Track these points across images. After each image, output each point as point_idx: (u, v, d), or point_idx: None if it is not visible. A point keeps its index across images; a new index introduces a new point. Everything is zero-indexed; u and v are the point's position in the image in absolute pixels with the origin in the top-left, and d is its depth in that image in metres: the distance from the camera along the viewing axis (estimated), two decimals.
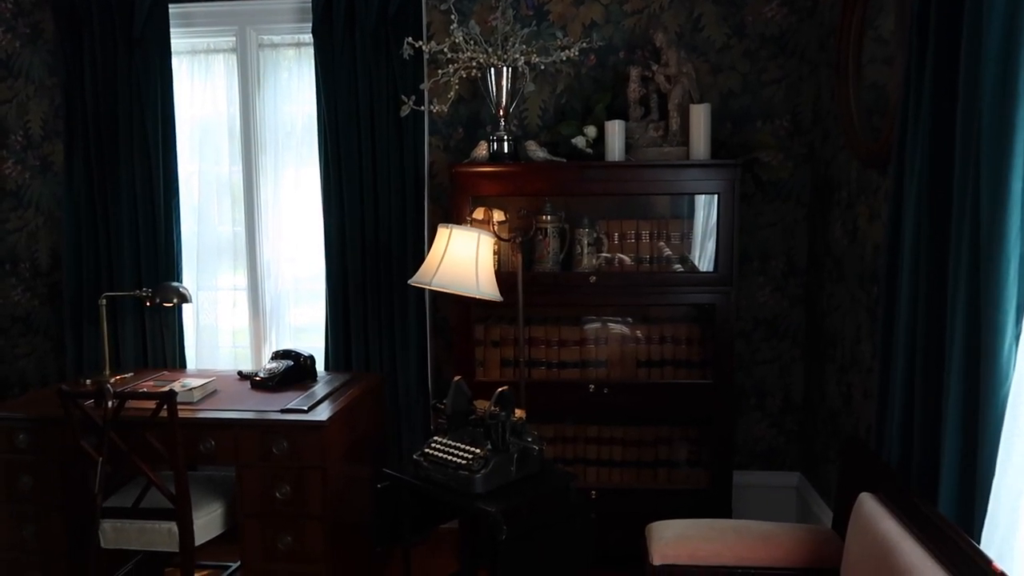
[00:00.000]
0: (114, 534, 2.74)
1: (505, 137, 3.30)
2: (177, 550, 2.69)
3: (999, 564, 1.48)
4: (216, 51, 3.80)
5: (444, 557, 3.42)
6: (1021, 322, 1.58)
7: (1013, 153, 1.53)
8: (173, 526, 2.68)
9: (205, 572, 3.16)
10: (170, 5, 3.59)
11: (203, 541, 2.76)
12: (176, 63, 3.68)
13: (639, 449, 3.40)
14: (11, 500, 2.90)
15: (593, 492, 3.28)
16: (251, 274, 3.82)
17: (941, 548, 1.61)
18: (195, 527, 2.70)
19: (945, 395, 1.76)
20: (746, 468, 3.67)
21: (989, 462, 1.60)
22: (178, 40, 3.68)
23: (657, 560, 2.24)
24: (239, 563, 2.85)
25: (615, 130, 3.20)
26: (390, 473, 2.61)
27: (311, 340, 3.77)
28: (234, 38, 3.71)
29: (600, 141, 3.26)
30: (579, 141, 3.29)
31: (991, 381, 1.58)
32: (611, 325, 3.41)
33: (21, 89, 3.84)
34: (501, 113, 3.32)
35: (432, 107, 3.39)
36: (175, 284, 3.43)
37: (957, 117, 1.73)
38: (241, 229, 3.83)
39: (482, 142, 3.32)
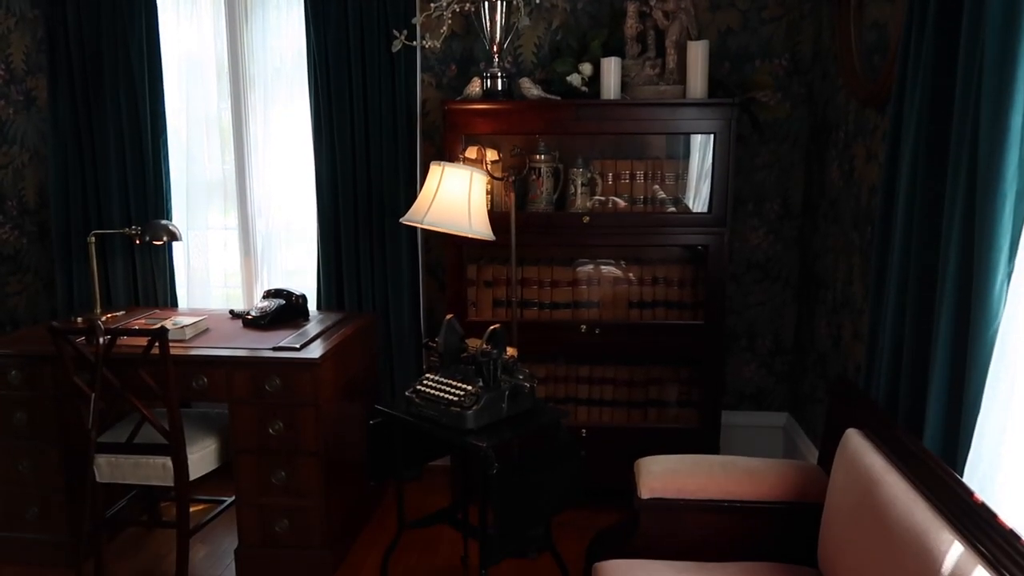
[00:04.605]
0: (109, 469, 2.76)
1: (499, 74, 3.24)
2: (172, 484, 2.72)
3: (980, 495, 1.51)
4: None
5: (437, 494, 3.47)
6: (1014, 260, 1.57)
7: (1015, 87, 1.51)
8: (168, 461, 2.70)
9: (201, 506, 3.20)
10: None
11: (198, 476, 2.79)
12: None
13: (630, 389, 3.43)
14: (6, 436, 2.92)
15: (583, 430, 3.32)
16: (242, 214, 3.78)
17: (924, 481, 1.64)
18: (189, 462, 2.73)
19: (935, 333, 1.76)
20: (735, 408, 3.71)
21: (975, 399, 1.61)
22: None
23: (645, 494, 2.27)
24: (234, 498, 2.90)
25: (611, 68, 3.14)
26: (382, 409, 2.63)
27: (303, 280, 3.75)
28: None
29: (596, 79, 3.20)
30: (574, 79, 3.23)
31: (981, 318, 1.59)
32: (604, 266, 3.41)
33: (2, 21, 3.73)
34: (495, 49, 3.25)
35: (424, 42, 3.31)
36: (164, 222, 3.40)
37: (959, 51, 1.70)
38: (231, 168, 3.77)
39: (475, 79, 3.25)
